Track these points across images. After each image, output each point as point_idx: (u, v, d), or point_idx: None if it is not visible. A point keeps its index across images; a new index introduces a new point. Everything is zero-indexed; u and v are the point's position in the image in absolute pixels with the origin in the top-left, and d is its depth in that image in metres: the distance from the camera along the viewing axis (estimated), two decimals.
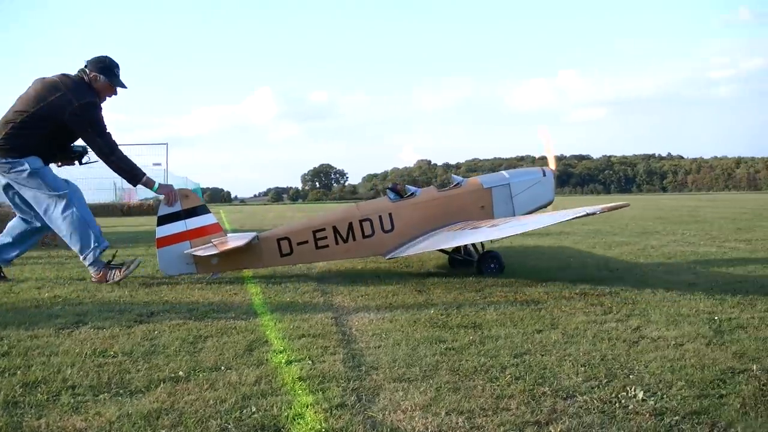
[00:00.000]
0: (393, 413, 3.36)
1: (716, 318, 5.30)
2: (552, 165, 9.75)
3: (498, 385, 3.72)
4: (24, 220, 8.31)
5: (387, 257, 8.27)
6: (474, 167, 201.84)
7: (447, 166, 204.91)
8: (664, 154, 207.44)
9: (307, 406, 3.45)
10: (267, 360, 4.35)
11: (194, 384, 3.86)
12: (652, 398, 3.47)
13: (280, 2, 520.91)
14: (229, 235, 8.27)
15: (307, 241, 8.12)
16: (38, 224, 8.25)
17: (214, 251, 7.65)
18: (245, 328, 5.27)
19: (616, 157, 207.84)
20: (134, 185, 8.29)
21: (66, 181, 8.09)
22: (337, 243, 8.20)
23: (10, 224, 8.45)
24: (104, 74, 8.08)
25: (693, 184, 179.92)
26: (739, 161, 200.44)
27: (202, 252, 7.75)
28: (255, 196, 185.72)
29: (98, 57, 8.21)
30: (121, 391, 3.78)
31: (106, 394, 3.73)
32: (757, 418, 3.19)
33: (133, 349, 4.63)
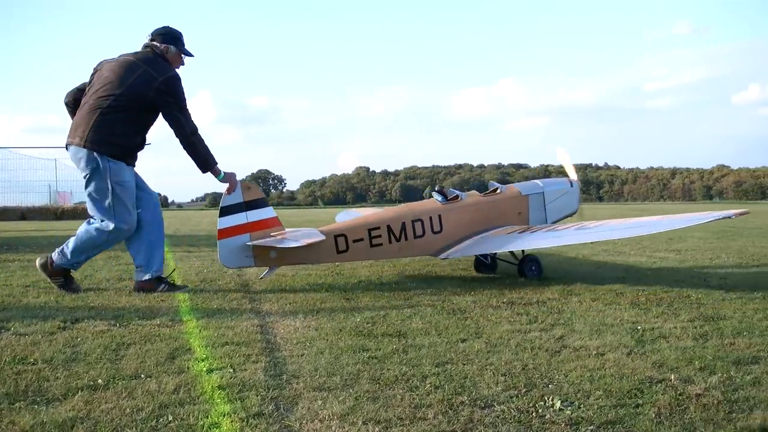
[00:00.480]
0: (310, 422, 3.34)
1: (639, 328, 5.36)
2: (574, 177, 10.23)
3: (417, 395, 3.72)
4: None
5: (441, 257, 8.57)
6: (413, 175, 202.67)
7: (385, 173, 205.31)
8: (600, 164, 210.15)
9: (224, 415, 3.41)
10: (188, 368, 4.30)
11: (112, 392, 3.80)
12: (569, 408, 3.49)
13: (222, 6, 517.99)
14: (287, 229, 8.20)
15: (362, 239, 8.22)
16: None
17: (295, 244, 7.64)
18: (169, 336, 5.21)
19: (553, 166, 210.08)
20: (204, 172, 7.70)
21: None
22: (390, 242, 8.36)
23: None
24: (174, 44, 7.81)
25: (629, 194, 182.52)
26: (674, 172, 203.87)
27: (275, 243, 7.70)
28: (193, 201, 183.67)
29: (164, 28, 7.87)
30: (37, 399, 3.70)
31: (22, 402, 3.65)
32: (671, 428, 3.22)
33: (53, 356, 4.55)
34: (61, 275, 7.55)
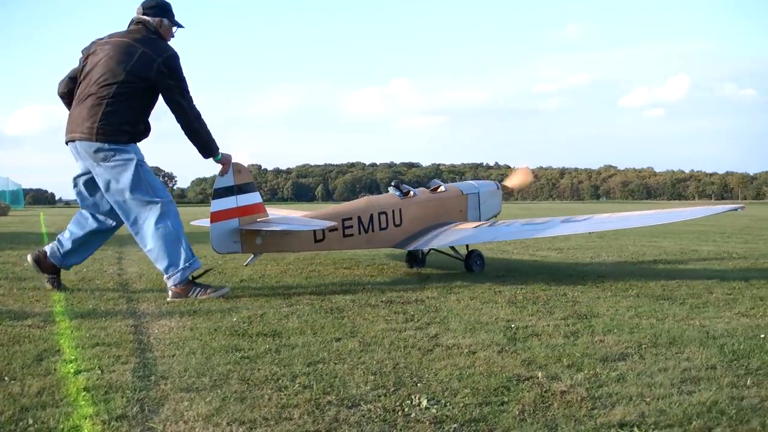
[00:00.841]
0: (174, 424, 3.28)
1: (513, 326, 5.43)
2: (508, 183, 11.07)
3: (285, 395, 3.69)
4: (94, 217, 7.51)
5: (406, 249, 8.99)
6: (305, 173, 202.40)
7: (277, 171, 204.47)
8: (491, 164, 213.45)
9: (86, 418, 3.33)
10: (55, 370, 4.18)
11: None
12: (435, 406, 3.50)
13: None
14: (271, 215, 8.09)
15: (337, 229, 8.24)
16: (112, 224, 7.55)
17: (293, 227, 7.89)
18: (39, 337, 5.06)
19: (445, 165, 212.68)
20: (206, 158, 7.36)
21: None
22: (359, 233, 8.54)
23: (72, 224, 7.60)
24: (166, 17, 7.34)
25: (518, 194, 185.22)
26: (563, 172, 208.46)
27: (272, 227, 7.70)
28: None
29: None
30: None
31: None
32: (533, 425, 3.27)
33: None
34: (198, 278, 7.36)
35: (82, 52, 7.35)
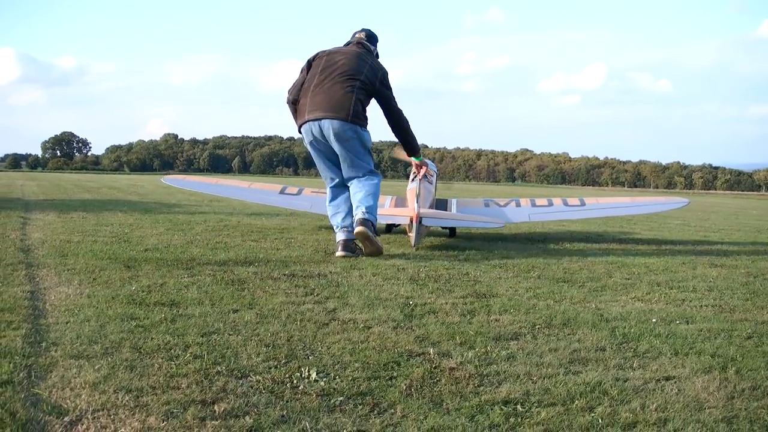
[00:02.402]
0: (60, 390, 3.26)
1: (411, 303, 5.47)
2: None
3: (175, 364, 3.68)
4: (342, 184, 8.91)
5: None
6: (221, 144, 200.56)
7: (194, 142, 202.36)
8: None
9: None
10: None
11: None
12: (324, 379, 3.54)
13: None
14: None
15: None
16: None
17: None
18: None
19: None
20: (410, 155, 9.74)
21: None
22: None
23: (340, 197, 8.87)
24: (377, 47, 9.28)
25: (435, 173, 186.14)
26: (480, 153, 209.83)
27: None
28: None
29: (371, 30, 9.25)
30: None
31: None
32: (419, 399, 3.32)
33: None
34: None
35: (307, 62, 8.88)
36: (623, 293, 6.39)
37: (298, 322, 4.69)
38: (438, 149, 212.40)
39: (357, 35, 9.16)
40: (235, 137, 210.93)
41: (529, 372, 3.81)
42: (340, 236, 8.39)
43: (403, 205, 10.86)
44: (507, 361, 4.01)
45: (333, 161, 8.72)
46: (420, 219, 9.19)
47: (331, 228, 9.02)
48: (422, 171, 9.97)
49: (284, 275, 6.54)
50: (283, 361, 3.82)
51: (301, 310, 5.07)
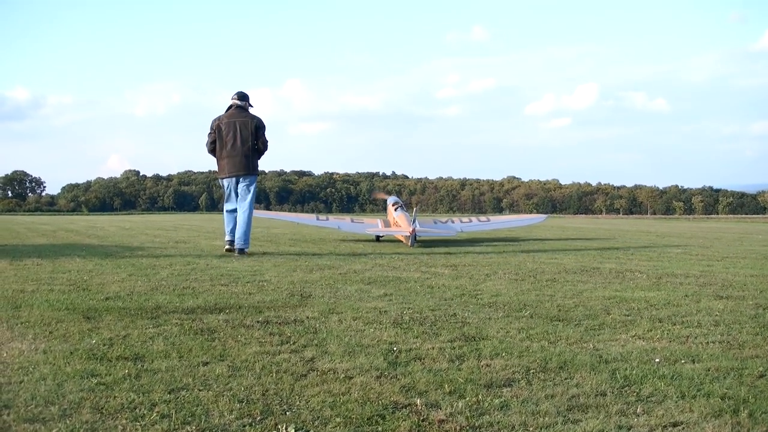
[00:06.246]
0: None
1: (395, 348, 5.46)
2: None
3: (141, 425, 3.64)
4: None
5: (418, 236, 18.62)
6: (187, 180, 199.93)
7: (157, 178, 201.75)
8: (388, 173, 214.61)
9: None
10: None
11: None
12: None
13: None
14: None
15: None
16: None
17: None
18: None
19: (339, 174, 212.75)
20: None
21: None
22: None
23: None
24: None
25: (417, 205, 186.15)
26: (464, 183, 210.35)
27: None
28: None
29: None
30: None
31: None
32: None
33: None
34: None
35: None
36: (623, 331, 6.38)
37: (274, 374, 4.66)
38: (419, 179, 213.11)
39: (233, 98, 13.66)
40: (202, 172, 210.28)
41: (525, 422, 3.79)
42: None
43: (388, 226, 20.17)
44: (500, 410, 3.99)
45: None
46: (415, 233, 17.97)
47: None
48: (392, 206, 17.76)
49: (257, 322, 6.50)
50: (259, 417, 3.79)
51: (277, 361, 5.03)
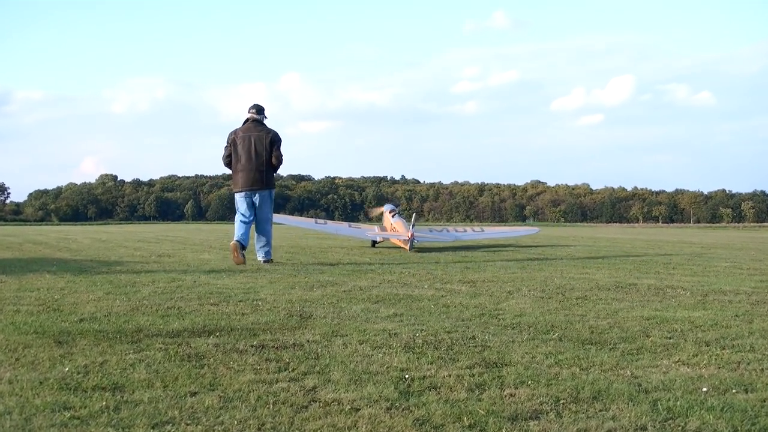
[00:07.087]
0: None
1: (408, 376, 5.45)
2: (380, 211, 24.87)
3: None
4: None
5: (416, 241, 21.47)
6: (171, 186, 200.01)
7: (138, 184, 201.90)
8: (397, 177, 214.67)
9: None
10: None
11: None
12: None
13: None
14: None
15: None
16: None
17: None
18: None
19: (341, 179, 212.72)
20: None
21: None
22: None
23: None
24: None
25: (430, 213, 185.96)
26: (482, 188, 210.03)
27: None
28: None
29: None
30: None
31: None
32: None
33: None
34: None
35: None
36: (664, 356, 6.36)
37: (271, 406, 4.66)
38: (432, 184, 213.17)
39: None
40: (188, 177, 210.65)
41: None
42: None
43: (385, 231, 22.91)
44: None
45: None
46: (413, 237, 20.61)
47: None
48: (388, 213, 20.48)
49: (252, 347, 6.50)
50: None
51: (274, 390, 5.03)
